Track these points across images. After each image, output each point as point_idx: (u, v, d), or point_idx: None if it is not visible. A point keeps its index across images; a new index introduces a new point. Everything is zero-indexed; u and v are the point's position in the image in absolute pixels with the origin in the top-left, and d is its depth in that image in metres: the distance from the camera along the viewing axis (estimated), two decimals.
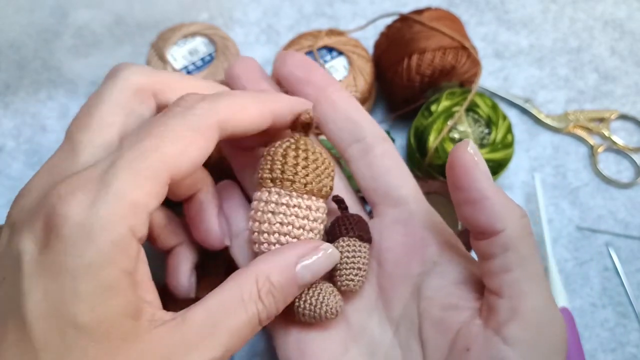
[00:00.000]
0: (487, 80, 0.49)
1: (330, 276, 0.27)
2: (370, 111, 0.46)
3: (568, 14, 0.53)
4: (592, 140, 0.46)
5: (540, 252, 0.42)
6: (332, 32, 0.44)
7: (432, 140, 0.39)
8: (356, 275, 0.27)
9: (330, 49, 0.43)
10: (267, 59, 0.50)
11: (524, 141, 0.46)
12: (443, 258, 0.27)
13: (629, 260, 0.42)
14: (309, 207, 0.26)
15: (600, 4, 0.53)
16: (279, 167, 0.26)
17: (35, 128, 0.47)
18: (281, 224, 0.26)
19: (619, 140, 0.46)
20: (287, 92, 0.30)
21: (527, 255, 0.23)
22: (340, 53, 0.43)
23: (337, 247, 0.27)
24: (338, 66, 0.42)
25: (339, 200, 0.28)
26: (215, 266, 0.38)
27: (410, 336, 0.26)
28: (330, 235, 0.28)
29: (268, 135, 0.28)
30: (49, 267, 0.20)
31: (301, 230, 0.26)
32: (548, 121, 0.47)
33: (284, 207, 0.26)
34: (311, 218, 0.26)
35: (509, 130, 0.40)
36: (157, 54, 0.42)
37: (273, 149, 0.27)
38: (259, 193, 0.27)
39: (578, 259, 0.42)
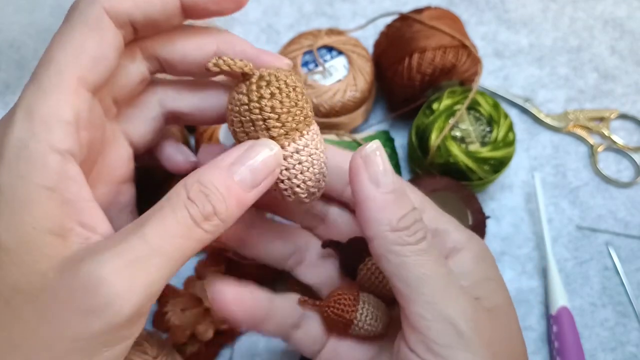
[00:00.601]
0: (487, 79, 0.49)
1: (372, 287, 0.27)
2: (370, 111, 0.46)
3: (568, 13, 0.53)
4: (592, 139, 0.46)
5: (540, 252, 0.42)
6: (332, 32, 0.44)
7: (434, 139, 0.39)
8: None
9: (330, 49, 0.43)
10: None
11: (523, 141, 0.46)
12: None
13: (629, 259, 0.42)
14: (306, 145, 0.24)
15: (601, 3, 0.53)
16: (248, 119, 0.23)
17: None
18: (312, 161, 0.24)
19: (618, 139, 0.46)
20: None
21: (399, 263, 0.23)
22: (340, 52, 0.43)
23: (369, 267, 0.27)
24: (338, 66, 0.42)
25: (331, 244, 0.28)
26: (215, 266, 0.38)
27: None
28: (349, 271, 0.28)
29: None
30: None
31: (315, 167, 0.25)
32: (548, 120, 0.47)
33: (307, 149, 0.24)
34: (318, 154, 0.25)
35: (510, 128, 0.40)
36: None
37: (233, 98, 0.24)
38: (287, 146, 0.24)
39: (578, 259, 0.42)
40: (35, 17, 0.52)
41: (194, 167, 0.29)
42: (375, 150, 0.23)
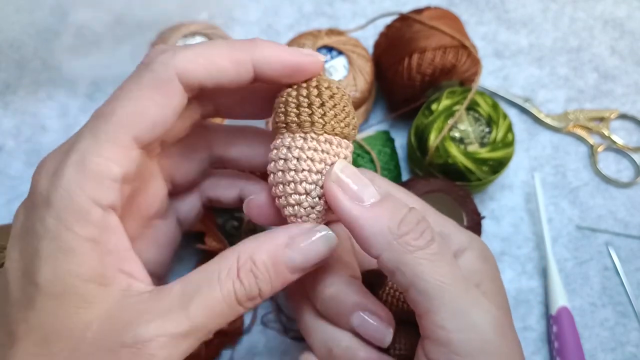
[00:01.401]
0: (486, 79, 0.49)
1: (398, 309, 0.27)
2: (370, 111, 0.46)
3: (568, 13, 0.53)
4: (592, 139, 0.46)
5: (540, 252, 0.42)
6: (332, 32, 0.44)
7: (433, 139, 0.39)
8: None
9: (330, 49, 0.43)
10: None
11: (523, 141, 0.46)
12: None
13: (629, 259, 0.42)
14: (326, 150, 0.24)
15: (600, 3, 0.53)
16: (303, 109, 0.24)
17: (35, 127, 0.47)
18: (309, 170, 0.23)
19: (618, 139, 0.46)
20: None
21: (415, 273, 0.22)
22: (340, 53, 0.43)
23: (388, 292, 0.27)
24: (338, 66, 0.42)
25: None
26: None
27: None
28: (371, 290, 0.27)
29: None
30: (25, 230, 0.21)
31: (319, 175, 0.24)
32: (548, 120, 0.47)
33: (312, 151, 0.24)
34: (329, 161, 0.24)
35: (509, 129, 0.40)
36: None
37: (287, 90, 0.25)
38: (279, 140, 0.25)
39: (578, 259, 0.42)
40: (35, 16, 0.52)
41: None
42: (342, 169, 0.23)
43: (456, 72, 0.41)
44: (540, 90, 0.49)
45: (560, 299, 0.39)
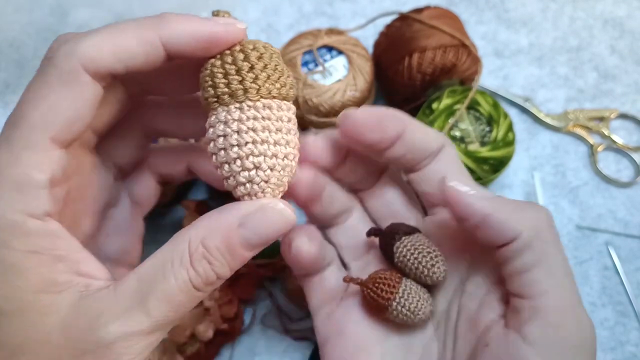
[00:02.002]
0: (486, 79, 0.49)
1: (413, 276, 0.27)
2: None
3: (568, 12, 0.53)
4: (592, 139, 0.46)
5: None
6: (331, 31, 0.43)
7: None
8: (434, 260, 0.27)
9: (330, 48, 0.43)
10: None
11: (523, 140, 0.46)
12: (485, 258, 0.27)
13: (629, 259, 0.42)
14: (279, 118, 0.22)
15: (600, 2, 0.53)
16: (232, 77, 0.22)
17: None
18: (254, 142, 0.22)
19: (618, 139, 0.46)
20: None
21: (546, 253, 0.23)
22: (340, 52, 0.43)
23: (405, 244, 0.27)
24: (338, 65, 0.42)
25: (375, 231, 0.29)
26: None
27: (449, 332, 0.27)
28: (387, 253, 0.28)
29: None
30: None
31: (279, 146, 0.22)
32: (548, 120, 0.47)
33: (252, 121, 0.22)
34: (284, 129, 0.22)
35: (510, 128, 0.40)
36: None
37: (210, 61, 0.23)
38: (213, 116, 0.22)
39: (578, 258, 0.42)
40: (35, 16, 0.52)
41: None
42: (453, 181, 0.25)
43: (456, 71, 0.41)
44: (540, 89, 0.49)
45: None
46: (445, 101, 0.40)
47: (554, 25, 0.52)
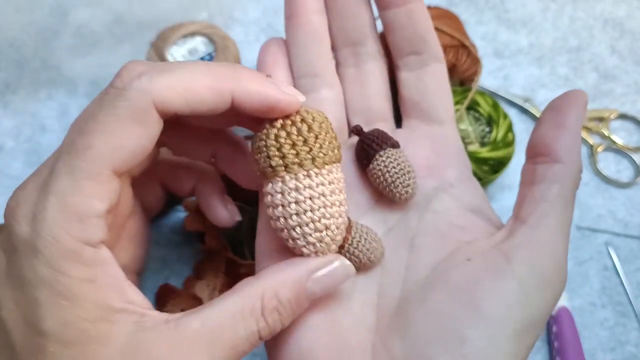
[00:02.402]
0: (486, 79, 0.49)
1: (382, 188, 0.27)
2: None
3: (568, 13, 0.53)
4: (592, 139, 0.46)
5: None
6: None
7: None
8: (410, 179, 0.27)
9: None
10: None
11: (523, 140, 0.46)
12: (460, 183, 0.28)
13: (629, 259, 0.42)
14: (331, 182, 0.24)
15: (600, 3, 0.53)
16: (289, 149, 0.23)
17: (35, 127, 0.46)
18: (312, 209, 0.23)
19: (618, 139, 0.46)
20: None
21: (569, 201, 0.24)
22: None
23: (389, 156, 0.27)
24: None
25: (358, 130, 0.29)
26: (215, 266, 0.38)
27: (401, 241, 0.27)
28: (363, 155, 0.27)
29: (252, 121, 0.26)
30: (14, 277, 0.20)
31: (333, 207, 0.24)
32: None
33: (309, 190, 0.23)
34: (337, 190, 0.24)
35: (509, 128, 0.40)
36: (157, 53, 0.42)
37: (265, 131, 0.24)
38: (270, 185, 0.24)
39: (577, 258, 0.42)
40: (35, 16, 0.52)
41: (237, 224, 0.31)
42: None
43: (456, 71, 0.41)
44: (540, 90, 0.49)
45: (560, 299, 0.39)
46: None
47: (554, 26, 0.52)
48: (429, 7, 0.43)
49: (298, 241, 0.24)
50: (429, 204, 0.27)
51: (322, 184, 0.24)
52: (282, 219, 0.24)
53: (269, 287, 0.22)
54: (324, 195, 0.23)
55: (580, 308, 0.40)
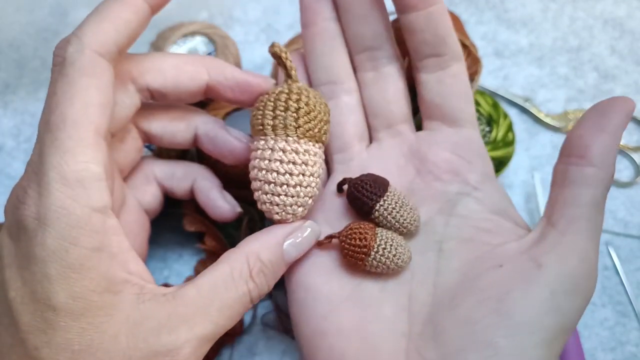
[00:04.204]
0: (486, 79, 0.49)
1: (389, 227, 0.27)
2: None
3: (568, 12, 0.53)
4: None
5: None
6: None
7: None
8: (414, 214, 0.27)
9: None
10: (267, 58, 0.50)
11: (523, 140, 0.46)
12: (484, 186, 0.27)
13: (629, 259, 0.42)
14: (307, 152, 0.26)
15: (600, 2, 0.53)
16: (281, 113, 0.26)
17: (35, 127, 0.46)
18: (277, 172, 0.25)
19: None
20: None
21: (600, 207, 0.23)
22: None
23: (381, 211, 0.27)
24: None
25: (341, 183, 0.29)
26: None
27: (429, 245, 0.27)
28: (360, 206, 0.27)
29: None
30: (22, 257, 0.21)
31: (301, 177, 0.26)
32: (548, 120, 0.47)
33: (281, 153, 0.25)
34: (311, 164, 0.26)
35: (509, 128, 0.40)
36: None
37: (265, 96, 0.27)
38: (256, 142, 0.26)
39: None
40: (35, 16, 0.52)
41: (238, 216, 0.32)
42: None
43: None
44: (540, 89, 0.49)
45: None
46: None
47: (554, 26, 0.52)
48: None
49: (266, 202, 0.26)
50: (453, 208, 0.27)
51: (296, 152, 0.26)
52: (256, 171, 0.26)
53: (252, 252, 0.25)
54: (294, 162, 0.25)
55: None
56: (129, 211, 0.30)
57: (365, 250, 0.25)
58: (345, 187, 0.28)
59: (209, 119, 0.30)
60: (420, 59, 0.29)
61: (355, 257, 0.26)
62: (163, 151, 0.38)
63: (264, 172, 0.26)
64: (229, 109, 0.39)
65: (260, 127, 0.26)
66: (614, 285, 0.41)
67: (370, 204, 0.27)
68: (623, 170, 0.45)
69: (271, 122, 0.26)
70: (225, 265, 0.24)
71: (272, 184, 0.26)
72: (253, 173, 0.26)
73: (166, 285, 0.37)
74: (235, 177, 0.37)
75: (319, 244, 0.27)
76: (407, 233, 0.27)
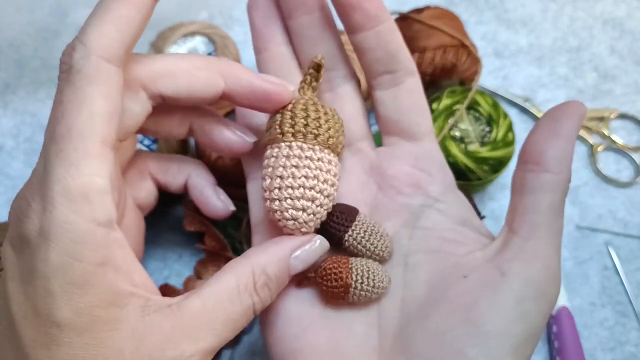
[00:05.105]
0: (486, 79, 0.49)
1: (362, 254, 0.27)
2: (370, 110, 0.46)
3: (567, 12, 0.53)
4: (592, 139, 0.46)
5: None
6: None
7: None
8: (386, 240, 0.27)
9: None
10: None
11: (523, 140, 0.46)
12: (446, 197, 0.28)
13: (629, 259, 0.42)
14: (330, 161, 0.26)
15: (600, 2, 0.53)
16: (302, 120, 0.26)
17: (35, 127, 0.46)
18: (306, 177, 0.25)
19: (618, 139, 0.46)
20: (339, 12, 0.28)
21: (559, 211, 0.24)
22: None
23: (351, 241, 0.27)
24: None
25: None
26: (215, 266, 0.38)
27: (395, 260, 0.27)
28: (330, 237, 0.27)
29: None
30: (25, 271, 0.20)
31: (325, 184, 0.26)
32: None
33: (309, 160, 0.25)
34: (332, 173, 0.26)
35: (509, 128, 0.40)
36: (157, 53, 0.42)
37: (290, 106, 0.26)
38: (276, 149, 0.26)
39: (577, 258, 0.42)
40: (35, 16, 0.52)
41: (232, 214, 0.32)
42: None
43: (456, 71, 0.41)
44: (540, 90, 0.49)
45: (560, 299, 0.39)
46: (445, 101, 0.40)
47: (553, 26, 0.52)
48: (429, 7, 0.43)
49: (277, 211, 0.25)
50: (417, 220, 0.27)
51: (311, 159, 0.25)
52: (267, 179, 0.26)
53: (258, 265, 0.24)
54: (314, 173, 0.25)
55: (580, 308, 0.40)
56: (127, 211, 0.30)
57: (343, 289, 0.25)
58: None
59: (205, 111, 0.29)
60: (374, 77, 0.29)
61: (336, 297, 0.26)
62: (164, 147, 0.38)
63: (278, 180, 0.25)
64: (229, 109, 0.39)
65: (279, 135, 0.26)
66: (614, 285, 0.41)
67: (339, 234, 0.27)
68: (623, 170, 0.45)
69: (291, 130, 0.26)
70: (231, 276, 0.24)
71: (287, 197, 0.25)
72: (266, 183, 0.26)
73: (166, 285, 0.37)
74: (234, 176, 0.37)
75: (298, 284, 0.27)
76: (379, 260, 0.27)
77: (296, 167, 0.25)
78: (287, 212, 0.25)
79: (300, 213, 0.25)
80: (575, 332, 0.38)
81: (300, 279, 0.27)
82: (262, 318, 0.27)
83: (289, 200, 0.25)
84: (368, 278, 0.26)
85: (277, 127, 0.26)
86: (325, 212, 0.26)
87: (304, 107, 0.26)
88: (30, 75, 0.49)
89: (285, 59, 0.30)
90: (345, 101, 0.30)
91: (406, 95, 0.28)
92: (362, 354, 0.25)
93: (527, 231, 0.24)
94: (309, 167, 0.25)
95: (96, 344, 0.20)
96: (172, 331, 0.22)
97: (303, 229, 0.26)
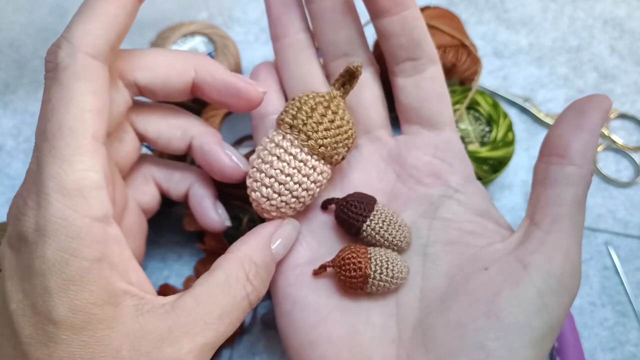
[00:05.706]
0: (486, 79, 0.49)
1: (381, 245, 0.27)
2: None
3: (567, 12, 0.53)
4: None
5: None
6: None
7: None
8: (404, 230, 0.27)
9: None
10: (267, 57, 0.50)
11: (523, 140, 0.46)
12: (465, 188, 0.28)
13: (629, 259, 0.42)
14: (313, 168, 0.26)
15: (600, 2, 0.53)
16: (303, 116, 0.26)
17: (35, 127, 0.46)
18: (281, 171, 0.26)
19: (618, 139, 0.46)
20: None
21: (581, 205, 0.24)
22: None
23: (369, 231, 0.27)
24: None
25: (327, 202, 0.28)
26: None
27: (414, 250, 0.27)
28: (348, 227, 0.27)
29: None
30: (23, 269, 0.20)
31: (297, 185, 0.26)
32: (548, 120, 0.47)
33: (291, 157, 0.26)
34: (312, 179, 0.26)
35: (509, 128, 0.40)
36: None
37: (305, 97, 0.27)
38: (274, 133, 0.27)
39: None
40: (34, 16, 0.52)
41: (226, 229, 0.32)
42: None
43: (456, 71, 0.41)
44: (540, 89, 0.49)
45: None
46: None
47: (553, 26, 0.52)
48: (428, 7, 0.43)
49: (257, 192, 0.26)
50: (436, 211, 0.27)
51: (294, 157, 0.26)
52: (259, 161, 0.26)
53: (245, 256, 0.25)
54: (288, 164, 0.26)
55: (580, 308, 0.40)
56: (129, 212, 0.30)
57: (362, 279, 0.25)
58: (330, 206, 0.28)
59: (207, 130, 0.30)
60: (396, 64, 0.29)
61: (355, 287, 0.26)
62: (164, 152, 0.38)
63: (259, 161, 0.26)
64: (227, 111, 0.39)
65: (280, 122, 0.26)
66: (614, 285, 0.41)
67: (357, 225, 0.26)
68: (623, 170, 0.45)
69: (290, 122, 0.26)
70: (220, 271, 0.24)
71: (270, 177, 0.26)
72: (256, 162, 0.26)
73: (166, 285, 0.37)
74: None
75: (315, 273, 0.27)
76: (397, 250, 0.27)
77: (278, 157, 0.26)
78: (265, 195, 0.26)
79: (276, 199, 0.26)
80: (575, 332, 0.38)
81: (318, 269, 0.27)
82: (277, 309, 0.27)
83: (257, 184, 0.26)
84: (387, 268, 0.25)
85: (284, 112, 0.26)
86: (301, 205, 0.27)
87: (314, 106, 0.26)
88: (30, 75, 0.49)
89: (304, 47, 0.30)
90: (364, 88, 0.30)
91: (428, 83, 0.28)
92: (380, 345, 0.25)
93: (549, 224, 0.23)
94: (288, 163, 0.26)
95: (93, 342, 0.20)
96: (169, 330, 0.22)
97: (273, 214, 0.27)
